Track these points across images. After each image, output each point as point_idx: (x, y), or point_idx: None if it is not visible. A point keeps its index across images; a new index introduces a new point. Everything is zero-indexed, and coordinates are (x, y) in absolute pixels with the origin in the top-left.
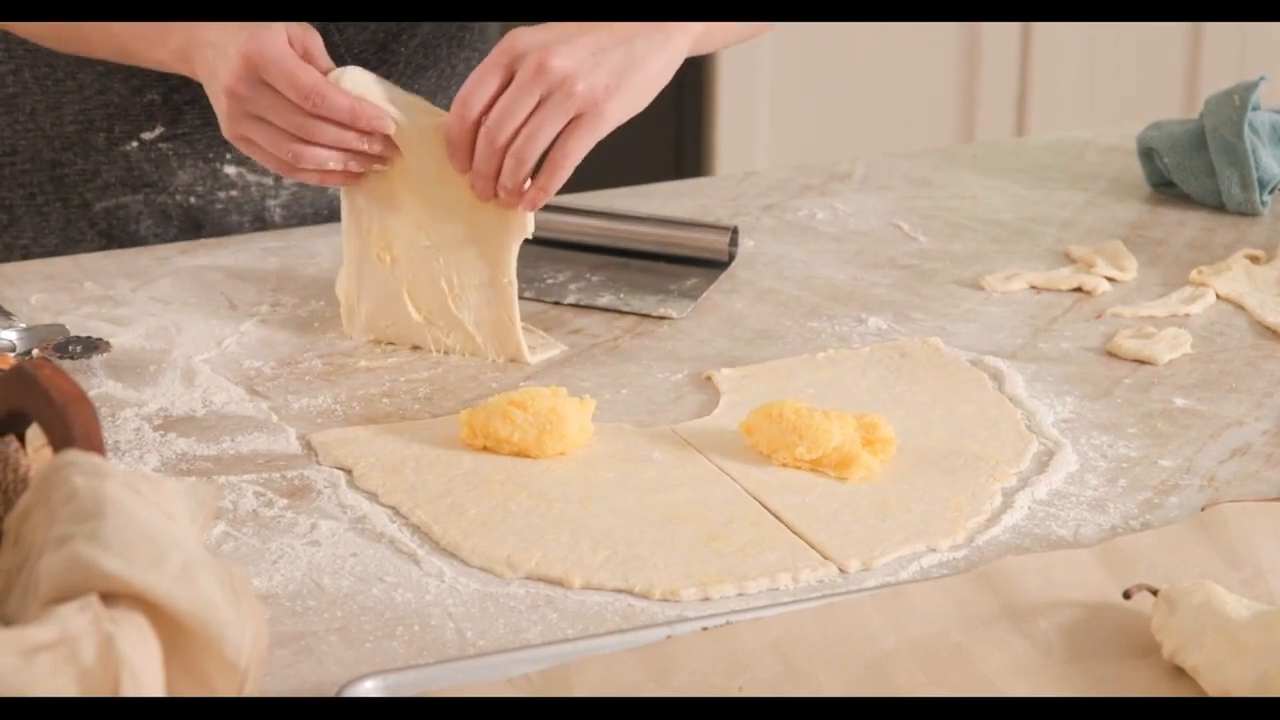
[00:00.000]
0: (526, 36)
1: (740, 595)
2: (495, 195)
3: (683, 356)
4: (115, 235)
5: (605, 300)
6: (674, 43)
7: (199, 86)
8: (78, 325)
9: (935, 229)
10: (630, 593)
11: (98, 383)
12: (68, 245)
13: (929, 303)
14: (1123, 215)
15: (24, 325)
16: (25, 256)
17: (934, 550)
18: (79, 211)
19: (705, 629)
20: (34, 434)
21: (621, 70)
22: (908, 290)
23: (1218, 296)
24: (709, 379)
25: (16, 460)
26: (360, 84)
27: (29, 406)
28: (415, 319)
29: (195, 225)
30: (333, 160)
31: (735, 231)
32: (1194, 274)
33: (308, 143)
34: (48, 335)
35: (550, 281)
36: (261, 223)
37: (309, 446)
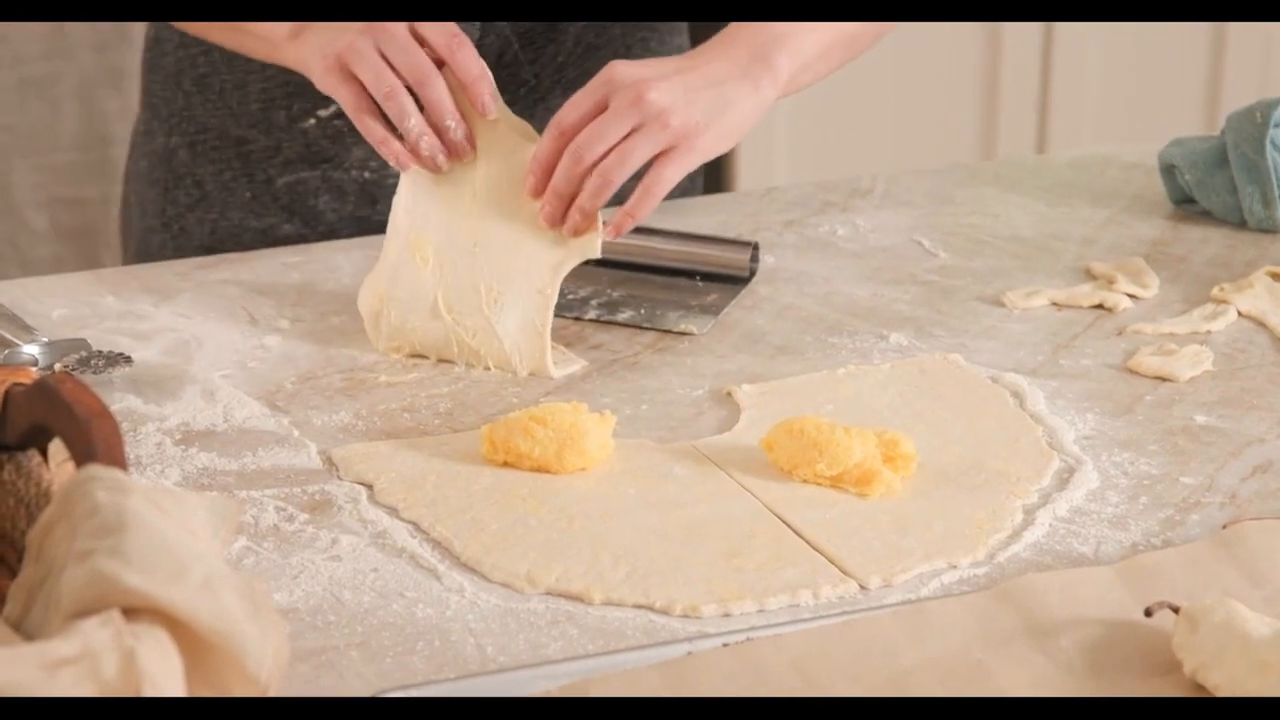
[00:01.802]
0: (624, 69)
1: (761, 611)
2: (562, 221)
3: (703, 372)
4: (296, 209)
5: (626, 316)
6: (762, 91)
7: None
8: (99, 340)
9: (956, 245)
10: (651, 609)
11: (119, 397)
12: (252, 219)
13: (950, 319)
14: (1144, 232)
15: (46, 340)
16: (213, 231)
17: (955, 567)
18: (263, 187)
19: (726, 645)
20: (56, 448)
21: (714, 110)
22: (928, 306)
23: (1239, 314)
24: (729, 395)
25: (39, 475)
26: None
27: (52, 421)
28: (445, 319)
29: (370, 199)
30: (415, 124)
31: (756, 247)
32: (1215, 291)
33: (409, 93)
34: (70, 350)
35: (571, 297)
36: None
37: (330, 461)
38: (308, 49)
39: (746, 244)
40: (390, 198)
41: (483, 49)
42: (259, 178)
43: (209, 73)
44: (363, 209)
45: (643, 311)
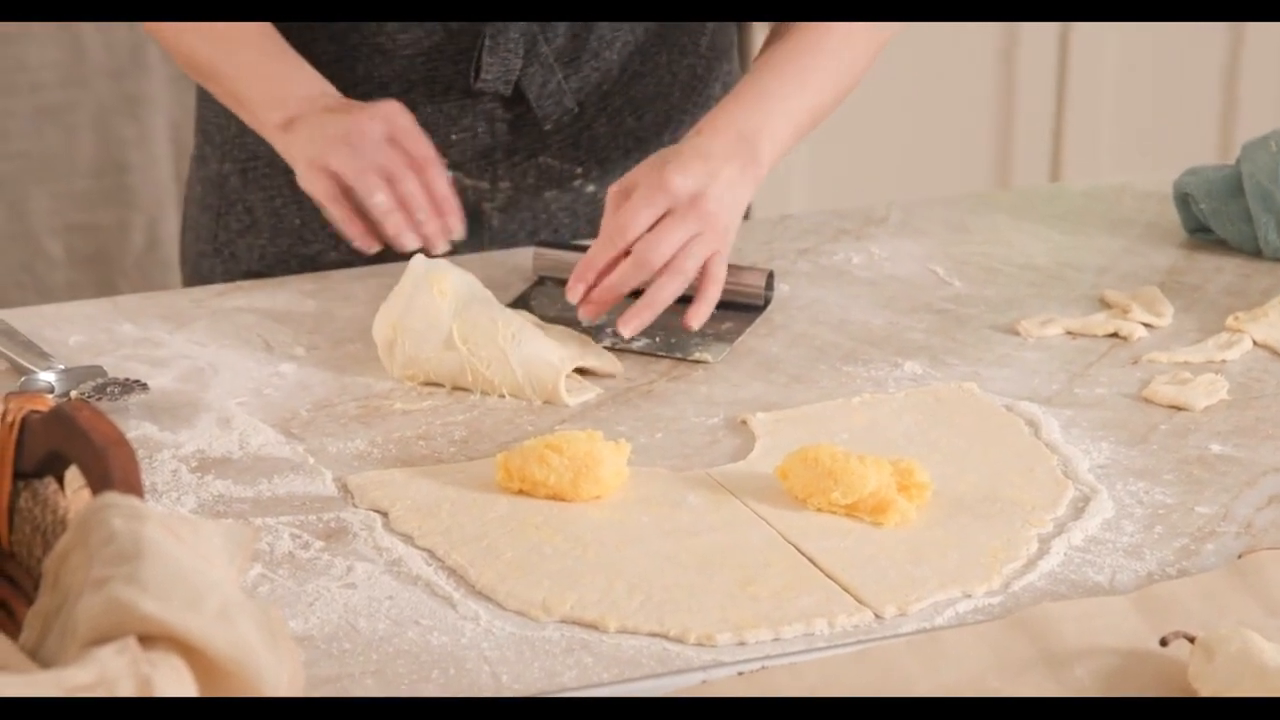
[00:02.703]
0: (681, 181)
1: (776, 640)
2: (604, 310)
3: (718, 400)
4: (343, 237)
5: (641, 344)
6: (750, 179)
7: (418, 95)
8: (115, 367)
9: (971, 274)
10: (665, 637)
11: (135, 424)
12: (301, 245)
13: (964, 348)
14: (1159, 261)
15: (63, 367)
16: (263, 256)
17: (970, 596)
18: (312, 214)
19: (740, 674)
20: (72, 476)
21: (738, 210)
22: (943, 335)
23: (1254, 343)
24: (744, 423)
25: (55, 502)
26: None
27: (68, 448)
28: (460, 349)
29: None
30: (381, 200)
31: (771, 275)
32: (1230, 320)
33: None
34: (86, 377)
35: (586, 325)
36: (478, 224)
37: (345, 489)
38: (295, 148)
39: (762, 271)
40: None
41: (526, 76)
42: (308, 205)
43: None
44: None
45: (657, 339)
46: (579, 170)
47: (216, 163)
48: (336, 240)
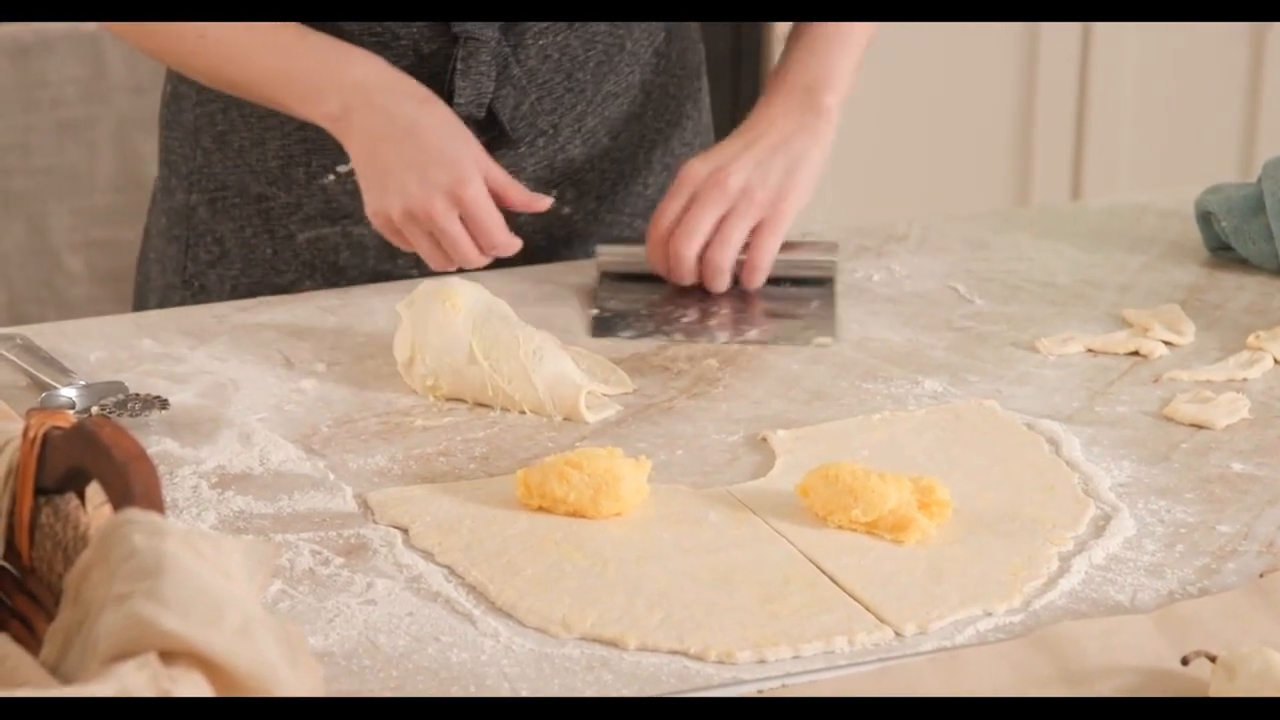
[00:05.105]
0: (698, 165)
1: (796, 658)
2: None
3: (738, 418)
4: (317, 266)
5: (753, 334)
6: (821, 138)
7: None
8: (136, 383)
9: (992, 291)
10: (685, 654)
11: (156, 440)
12: (274, 275)
13: (985, 365)
14: (1180, 279)
15: (84, 383)
16: (235, 288)
17: (990, 614)
18: (284, 243)
19: (760, 692)
20: (94, 492)
21: (787, 172)
22: (964, 352)
23: (1275, 361)
24: (764, 440)
25: (76, 518)
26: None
27: (90, 464)
28: (482, 365)
29: (390, 254)
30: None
31: (835, 246)
32: (1251, 338)
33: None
34: (107, 393)
35: (685, 319)
36: None
37: (365, 505)
38: (353, 143)
39: (828, 244)
40: (409, 254)
41: (499, 98)
42: (280, 234)
43: (227, 130)
44: (384, 264)
45: (764, 330)
46: (554, 192)
47: (183, 194)
48: (311, 269)
